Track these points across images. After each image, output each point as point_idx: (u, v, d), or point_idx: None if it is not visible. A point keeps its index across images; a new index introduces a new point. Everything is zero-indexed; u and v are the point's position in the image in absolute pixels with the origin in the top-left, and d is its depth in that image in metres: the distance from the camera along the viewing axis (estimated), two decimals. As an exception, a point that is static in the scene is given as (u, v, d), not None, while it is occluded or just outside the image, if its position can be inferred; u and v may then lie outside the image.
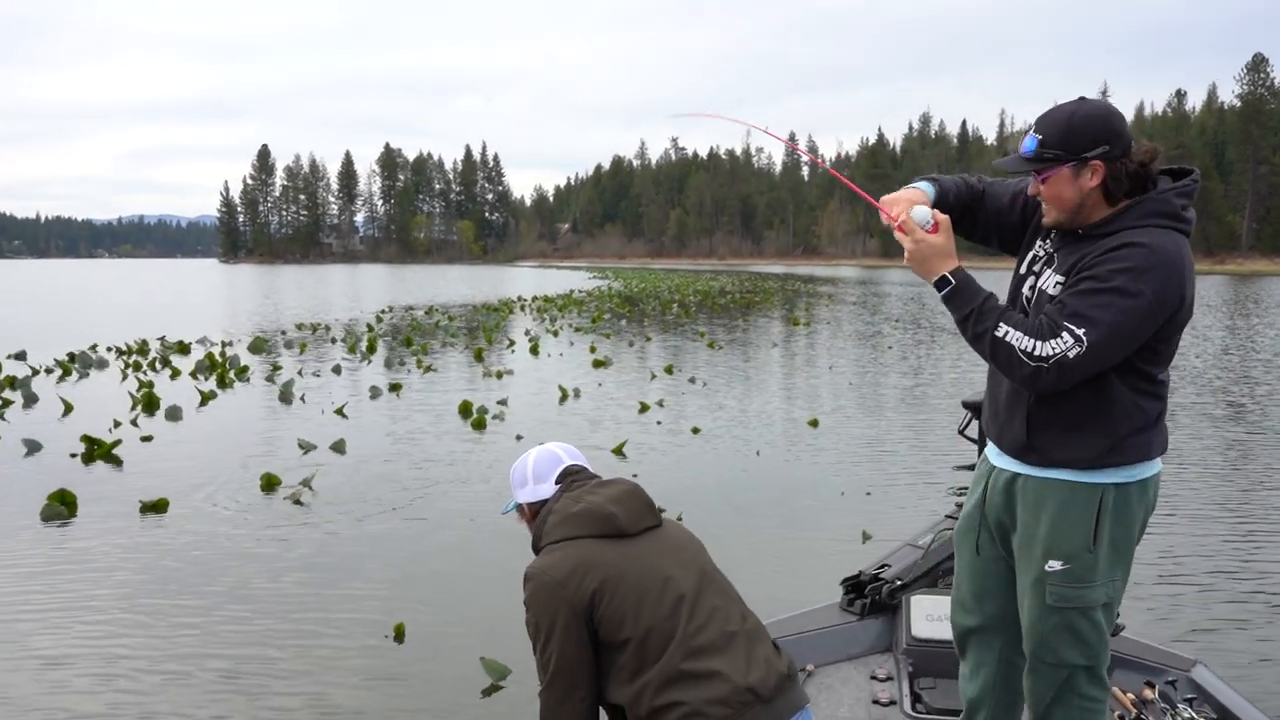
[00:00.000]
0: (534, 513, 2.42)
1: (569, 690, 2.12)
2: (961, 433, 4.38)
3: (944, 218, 2.45)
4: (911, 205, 2.48)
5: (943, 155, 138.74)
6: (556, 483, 2.42)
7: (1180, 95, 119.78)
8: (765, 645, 2.20)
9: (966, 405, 4.09)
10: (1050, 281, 2.41)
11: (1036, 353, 2.27)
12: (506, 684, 4.65)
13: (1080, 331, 2.24)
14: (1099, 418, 2.37)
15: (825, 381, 15.87)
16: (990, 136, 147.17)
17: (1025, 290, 2.52)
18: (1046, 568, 2.42)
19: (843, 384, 15.53)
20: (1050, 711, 2.50)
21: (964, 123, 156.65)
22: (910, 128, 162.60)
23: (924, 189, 2.59)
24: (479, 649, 4.93)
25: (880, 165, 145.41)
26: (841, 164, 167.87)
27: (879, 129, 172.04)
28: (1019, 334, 2.30)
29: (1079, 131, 2.32)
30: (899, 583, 3.97)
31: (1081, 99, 2.39)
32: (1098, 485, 2.39)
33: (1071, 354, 2.24)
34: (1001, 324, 2.32)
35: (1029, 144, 2.39)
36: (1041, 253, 2.52)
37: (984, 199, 2.68)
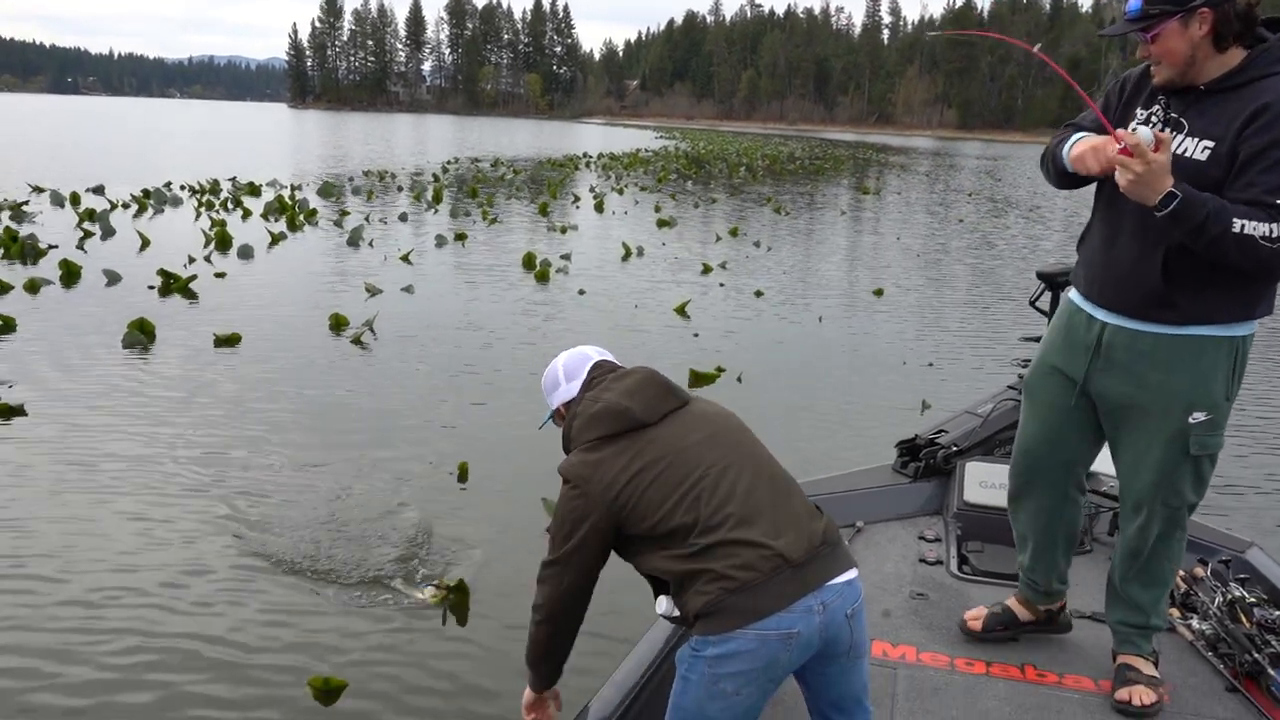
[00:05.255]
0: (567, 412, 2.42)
1: (563, 572, 2.22)
2: (1033, 304, 4.29)
3: (1165, 135, 2.33)
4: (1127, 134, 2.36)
5: (1032, 23, 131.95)
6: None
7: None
8: (799, 511, 2.15)
9: (1041, 276, 4.00)
10: (1197, 147, 2.36)
11: (1277, 234, 2.23)
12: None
13: None
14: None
15: (892, 251, 15.61)
16: (1086, 3, 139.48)
17: None
18: (1191, 420, 2.47)
19: (910, 254, 15.26)
20: (1156, 549, 2.62)
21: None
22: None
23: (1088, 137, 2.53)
24: (540, 490, 5.10)
25: (966, 29, 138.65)
26: (926, 26, 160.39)
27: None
28: (1253, 223, 2.24)
29: None
30: (955, 448, 3.98)
31: None
32: (1235, 338, 2.45)
33: None
34: (1235, 219, 2.25)
35: (1133, 4, 2.37)
36: (1155, 120, 2.46)
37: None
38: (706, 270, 12.54)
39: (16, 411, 6.06)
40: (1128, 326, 2.51)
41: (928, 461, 3.93)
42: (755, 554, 2.03)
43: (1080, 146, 2.44)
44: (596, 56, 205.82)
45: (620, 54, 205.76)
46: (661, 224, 17.54)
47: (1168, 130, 2.41)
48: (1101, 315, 2.57)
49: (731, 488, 2.12)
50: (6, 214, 14.86)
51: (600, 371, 2.41)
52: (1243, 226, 2.24)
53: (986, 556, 3.41)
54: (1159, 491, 2.56)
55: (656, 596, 2.24)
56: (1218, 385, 2.46)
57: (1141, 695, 2.54)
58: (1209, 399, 2.46)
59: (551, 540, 2.24)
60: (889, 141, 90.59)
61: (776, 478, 2.20)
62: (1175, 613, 3.02)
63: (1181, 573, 3.26)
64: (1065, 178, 2.56)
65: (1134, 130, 2.34)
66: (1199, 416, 2.46)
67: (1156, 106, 2.47)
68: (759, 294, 11.07)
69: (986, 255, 15.67)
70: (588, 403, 2.31)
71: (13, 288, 9.63)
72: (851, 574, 2.12)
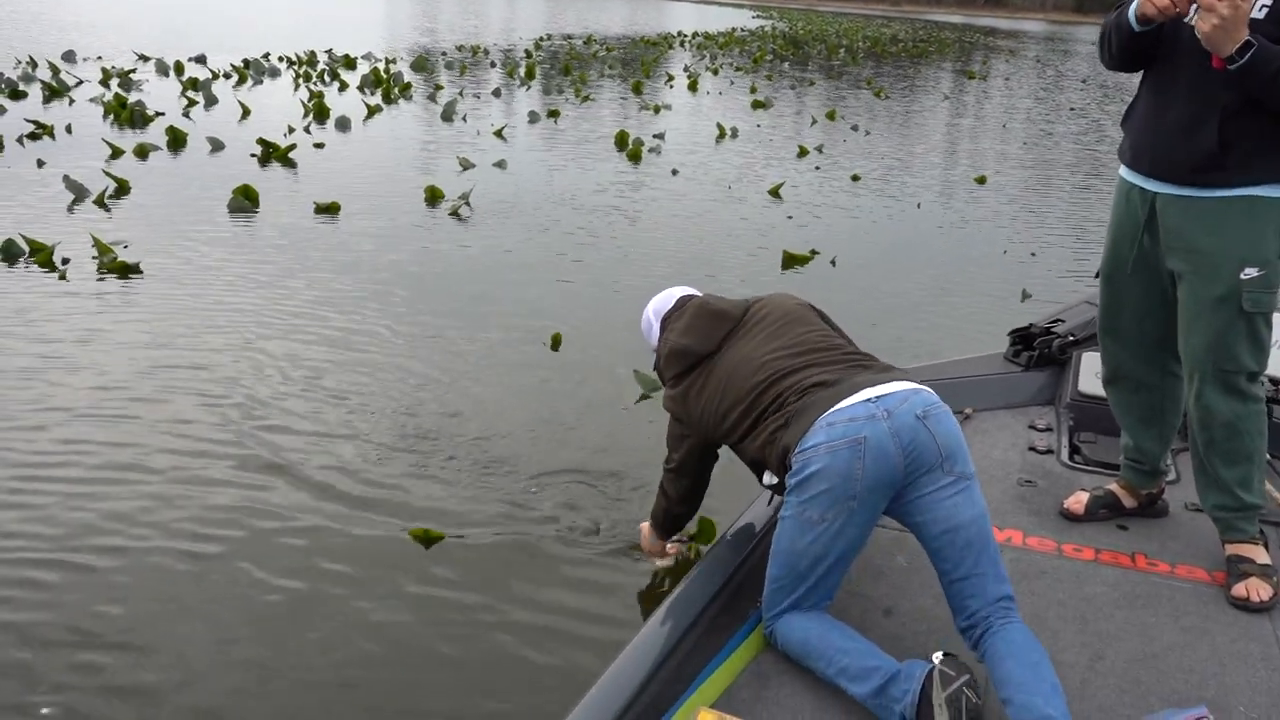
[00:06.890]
0: None
1: (678, 475, 2.72)
2: None
3: None
4: None
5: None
6: None
7: None
8: (855, 357, 2.37)
9: None
10: (1254, 7, 2.32)
11: None
12: (655, 396, 4.85)
13: None
14: None
15: (996, 138, 15.02)
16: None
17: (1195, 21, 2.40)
18: (1243, 275, 2.47)
19: (1015, 141, 14.67)
20: (1232, 425, 2.57)
21: None
22: None
23: None
24: (632, 363, 5.14)
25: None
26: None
27: None
28: None
29: None
30: (1071, 338, 3.88)
31: None
32: (1278, 200, 2.45)
33: None
34: None
35: None
36: None
37: None
38: (802, 153, 12.24)
39: (133, 270, 6.28)
40: (1179, 194, 2.52)
41: (1042, 351, 3.85)
42: (803, 389, 2.25)
43: None
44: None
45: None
46: (756, 105, 17.10)
47: None
48: (1152, 186, 2.58)
49: (788, 370, 2.32)
50: (115, 81, 15.17)
51: (674, 310, 2.71)
52: None
53: (1099, 448, 3.34)
54: (1211, 354, 2.53)
55: (760, 474, 2.44)
56: (1269, 242, 2.47)
57: (1259, 590, 2.51)
58: (1261, 255, 2.47)
59: (667, 448, 2.71)
60: (998, 24, 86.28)
61: (831, 347, 2.40)
62: (1301, 507, 2.94)
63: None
64: (1126, 54, 2.57)
65: None
66: (1251, 272, 2.47)
67: None
68: (856, 178, 10.80)
69: (1096, 143, 14.97)
70: (662, 344, 2.64)
71: (124, 152, 9.89)
72: (913, 385, 2.21)
